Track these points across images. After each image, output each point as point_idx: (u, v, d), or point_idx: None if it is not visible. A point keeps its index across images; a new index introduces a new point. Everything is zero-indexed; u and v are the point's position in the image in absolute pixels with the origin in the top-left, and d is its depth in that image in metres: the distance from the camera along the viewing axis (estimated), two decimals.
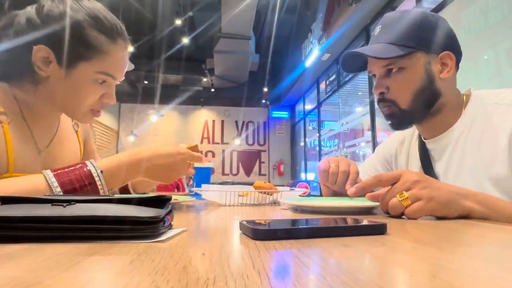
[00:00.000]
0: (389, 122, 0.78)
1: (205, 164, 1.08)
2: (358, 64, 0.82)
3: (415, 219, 0.51)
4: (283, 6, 6.07)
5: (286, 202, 0.67)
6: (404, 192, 0.52)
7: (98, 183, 0.59)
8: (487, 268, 0.24)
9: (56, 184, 0.56)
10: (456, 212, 0.52)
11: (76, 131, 0.87)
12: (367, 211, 0.63)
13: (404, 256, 0.29)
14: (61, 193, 0.56)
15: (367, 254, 0.29)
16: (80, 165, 0.60)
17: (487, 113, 0.72)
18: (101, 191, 0.60)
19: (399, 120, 0.76)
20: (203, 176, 1.11)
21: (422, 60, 0.72)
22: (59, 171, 0.58)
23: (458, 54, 0.75)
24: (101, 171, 0.60)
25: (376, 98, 0.80)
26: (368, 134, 4.63)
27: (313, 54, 5.57)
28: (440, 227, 0.45)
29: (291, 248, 0.31)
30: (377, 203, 0.58)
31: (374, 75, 0.80)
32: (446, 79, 0.73)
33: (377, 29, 0.78)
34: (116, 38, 0.69)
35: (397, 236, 0.37)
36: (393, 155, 0.96)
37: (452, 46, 0.74)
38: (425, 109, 0.74)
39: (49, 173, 0.57)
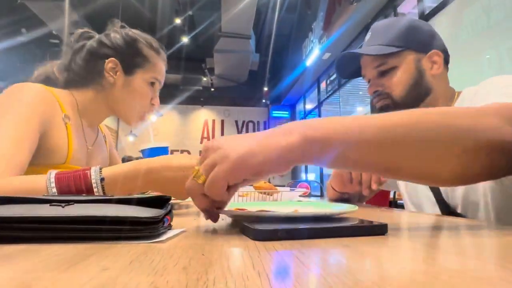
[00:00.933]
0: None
1: (161, 143, 0.95)
2: (353, 69, 0.87)
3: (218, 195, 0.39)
4: (284, 5, 6.07)
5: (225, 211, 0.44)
6: (196, 167, 0.40)
7: (95, 190, 0.58)
8: (490, 269, 0.24)
9: (54, 190, 0.57)
10: (284, 162, 0.38)
11: (105, 141, 1.03)
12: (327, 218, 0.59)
13: (405, 256, 0.28)
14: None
15: (367, 254, 0.29)
16: (83, 171, 0.59)
17: (460, 103, 0.75)
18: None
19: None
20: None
21: (412, 58, 0.78)
22: (61, 175, 0.58)
23: (446, 54, 0.80)
24: (102, 178, 0.59)
25: (371, 96, 0.84)
26: None
27: (313, 53, 5.58)
28: (442, 227, 0.45)
29: (291, 248, 0.31)
30: (339, 211, 0.46)
31: (369, 80, 0.84)
32: (436, 75, 0.78)
33: (367, 36, 0.84)
34: (159, 52, 0.91)
35: (398, 237, 0.37)
36: None
37: (439, 46, 0.80)
38: (416, 104, 0.78)
39: (52, 175, 0.58)
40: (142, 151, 0.92)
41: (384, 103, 0.79)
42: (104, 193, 0.59)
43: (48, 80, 0.87)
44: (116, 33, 0.88)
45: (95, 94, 0.86)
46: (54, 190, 0.57)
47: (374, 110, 0.82)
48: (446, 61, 0.81)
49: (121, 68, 0.86)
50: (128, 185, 0.61)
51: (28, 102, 0.72)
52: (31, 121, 0.69)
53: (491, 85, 0.66)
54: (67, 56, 0.88)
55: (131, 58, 0.87)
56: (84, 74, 0.86)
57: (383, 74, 0.80)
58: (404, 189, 0.91)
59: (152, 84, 0.89)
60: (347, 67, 0.87)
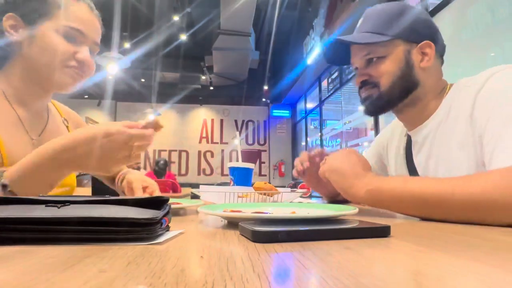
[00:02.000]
0: (364, 107, 0.81)
1: (246, 164, 1.08)
2: (342, 55, 0.84)
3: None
4: (284, 2, 6.07)
5: (202, 211, 0.50)
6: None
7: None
8: (493, 272, 0.24)
9: None
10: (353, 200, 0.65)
11: (67, 126, 0.89)
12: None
13: (408, 259, 0.29)
14: None
15: (370, 257, 0.29)
16: None
17: (460, 98, 0.72)
18: None
19: (374, 104, 0.78)
20: (243, 176, 1.11)
21: (401, 48, 0.75)
22: None
23: (440, 46, 0.78)
24: (3, 185, 0.53)
25: (357, 86, 0.81)
26: (372, 133, 4.63)
27: (314, 51, 5.57)
28: (444, 229, 0.45)
29: (292, 250, 0.31)
30: (337, 213, 0.57)
31: (357, 68, 0.81)
32: (426, 68, 0.75)
33: (359, 22, 0.82)
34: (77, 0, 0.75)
35: (401, 239, 0.37)
36: (385, 147, 0.98)
37: (433, 36, 0.76)
38: (401, 96, 0.76)
39: None
40: (230, 168, 1.02)
41: (369, 93, 0.78)
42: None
43: None
44: None
45: (13, 69, 0.74)
46: None
47: (361, 101, 0.81)
48: (441, 53, 0.79)
49: (22, 22, 0.72)
50: (44, 178, 0.57)
51: None
52: None
53: (490, 89, 0.65)
54: None
55: (32, 8, 0.73)
56: None
57: (370, 63, 0.78)
58: None
59: (70, 37, 0.73)
60: (337, 53, 0.85)
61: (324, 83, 6.50)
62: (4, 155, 0.66)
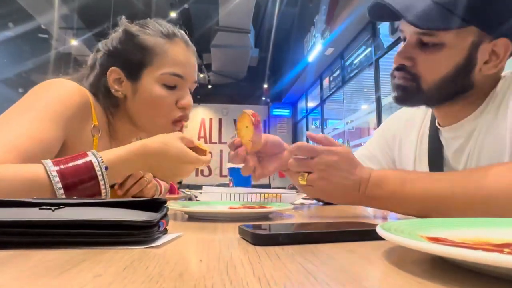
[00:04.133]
0: (396, 94, 0.67)
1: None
2: (389, 12, 0.63)
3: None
4: None
5: (172, 207, 0.59)
6: (305, 174, 0.57)
7: (101, 182, 0.56)
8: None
9: (57, 179, 0.53)
10: (349, 202, 0.60)
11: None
12: (264, 215, 0.61)
13: (413, 262, 0.28)
14: (59, 184, 0.53)
15: (373, 260, 0.29)
16: (83, 158, 0.56)
17: (504, 88, 0.62)
18: (102, 188, 0.57)
19: (411, 98, 0.66)
20: (243, 177, 1.11)
21: (469, 40, 0.60)
22: (61, 165, 0.55)
23: None
24: (106, 167, 0.57)
25: (394, 65, 0.67)
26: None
27: (316, 49, 5.58)
28: None
29: (293, 253, 0.31)
30: (273, 209, 0.59)
31: (404, 39, 0.67)
32: (488, 75, 0.62)
33: None
34: (172, 38, 0.76)
35: None
36: (397, 137, 0.85)
37: None
38: (446, 98, 0.65)
39: (48, 163, 0.55)
40: (229, 169, 1.03)
41: (406, 84, 0.65)
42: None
43: None
44: (114, 33, 0.77)
45: (116, 114, 0.78)
46: (59, 185, 0.53)
47: (393, 86, 0.68)
48: None
49: (124, 75, 0.74)
50: (126, 172, 0.66)
51: (56, 95, 0.66)
52: (58, 119, 0.64)
53: None
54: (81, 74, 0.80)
55: (132, 58, 0.74)
56: (100, 93, 0.76)
57: (423, 45, 0.63)
58: None
59: (171, 84, 0.75)
60: (382, 9, 0.63)
61: (326, 81, 6.51)
62: None
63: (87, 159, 0.56)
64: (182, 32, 0.79)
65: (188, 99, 0.77)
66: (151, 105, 0.74)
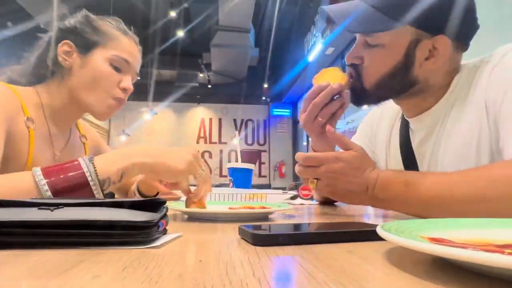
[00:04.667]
0: (350, 94, 0.73)
1: (246, 165, 1.10)
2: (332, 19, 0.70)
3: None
4: None
5: (171, 207, 0.58)
6: (315, 180, 0.63)
7: (93, 187, 0.55)
8: None
9: (46, 187, 0.52)
10: (357, 203, 0.64)
11: (84, 143, 0.97)
12: (264, 216, 0.62)
13: (414, 263, 0.28)
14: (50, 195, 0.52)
15: (373, 260, 0.29)
16: (71, 163, 0.56)
17: (473, 79, 0.65)
18: (95, 192, 0.56)
19: (357, 97, 0.72)
20: (243, 177, 1.12)
21: (406, 39, 0.63)
22: (49, 170, 0.54)
23: (464, 32, 0.65)
24: (93, 166, 0.56)
25: (347, 62, 0.73)
26: None
27: (316, 48, 5.58)
28: None
29: (293, 254, 0.31)
30: (272, 209, 0.60)
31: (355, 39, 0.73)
32: (429, 70, 0.65)
33: None
34: (126, 32, 0.86)
35: None
36: (373, 130, 0.91)
37: (457, 28, 0.63)
38: (390, 94, 0.71)
39: (37, 172, 0.54)
40: (229, 169, 1.06)
41: (353, 82, 0.70)
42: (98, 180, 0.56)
43: (11, 82, 0.82)
44: (73, 17, 0.85)
45: (57, 88, 0.82)
46: (46, 187, 0.52)
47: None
48: (464, 39, 0.67)
49: (76, 49, 0.81)
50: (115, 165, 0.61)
51: None
52: None
53: (506, 68, 0.58)
54: (28, 59, 0.86)
55: (87, 37, 0.82)
56: (42, 65, 0.82)
57: (369, 47, 0.67)
58: None
59: (117, 66, 0.83)
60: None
61: None
62: (29, 164, 0.73)
63: (75, 162, 0.56)
64: (133, 30, 0.90)
65: (129, 83, 0.85)
66: (97, 79, 0.80)
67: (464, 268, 0.25)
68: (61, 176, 0.54)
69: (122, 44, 0.84)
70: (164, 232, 0.39)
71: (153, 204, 0.39)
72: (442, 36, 0.63)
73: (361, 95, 0.71)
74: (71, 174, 0.54)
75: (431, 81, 0.68)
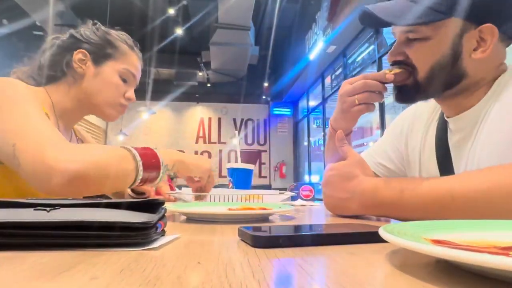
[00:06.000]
0: (396, 92, 0.73)
1: (246, 165, 1.11)
2: (375, 18, 0.70)
3: None
4: None
5: (172, 209, 0.59)
6: None
7: (161, 160, 0.73)
8: None
9: (141, 162, 0.68)
10: (348, 213, 0.66)
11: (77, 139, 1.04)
12: (264, 217, 0.62)
13: (417, 265, 0.29)
14: (140, 162, 0.68)
15: (375, 263, 0.29)
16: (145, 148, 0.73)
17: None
18: (161, 170, 0.73)
19: (409, 93, 0.71)
20: (243, 178, 1.12)
21: (452, 31, 0.64)
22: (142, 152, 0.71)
23: (509, 29, 0.65)
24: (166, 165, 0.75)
25: (389, 63, 0.74)
26: (377, 133, 4.64)
27: (317, 46, 5.58)
28: None
29: (294, 256, 0.31)
30: (273, 211, 0.61)
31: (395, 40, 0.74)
32: (479, 59, 0.65)
33: None
34: (133, 48, 0.98)
35: None
36: (403, 132, 0.89)
37: (501, 13, 0.63)
38: (440, 87, 0.69)
39: (133, 151, 0.70)
40: (229, 169, 1.12)
41: (401, 78, 0.70)
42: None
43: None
44: (87, 28, 0.94)
45: (67, 90, 0.89)
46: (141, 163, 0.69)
47: (394, 87, 0.73)
48: (508, 41, 0.67)
49: (90, 59, 0.90)
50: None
51: (23, 92, 0.74)
52: (38, 107, 0.72)
53: None
54: (34, 61, 0.93)
55: (101, 49, 0.91)
56: (54, 68, 0.89)
57: (410, 42, 0.68)
58: None
59: (125, 78, 0.94)
60: (372, 15, 0.70)
61: (328, 80, 6.51)
62: None
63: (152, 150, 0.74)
64: (138, 45, 1.02)
65: (133, 93, 0.97)
66: (108, 88, 0.91)
67: (468, 271, 0.25)
68: (148, 157, 0.71)
69: (131, 59, 0.96)
70: (163, 233, 0.39)
71: (151, 205, 0.39)
72: (488, 25, 0.63)
73: (413, 90, 0.70)
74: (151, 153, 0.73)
75: (480, 75, 0.67)
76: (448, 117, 0.76)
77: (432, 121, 0.82)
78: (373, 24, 0.71)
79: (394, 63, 0.72)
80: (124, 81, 0.94)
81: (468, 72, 0.66)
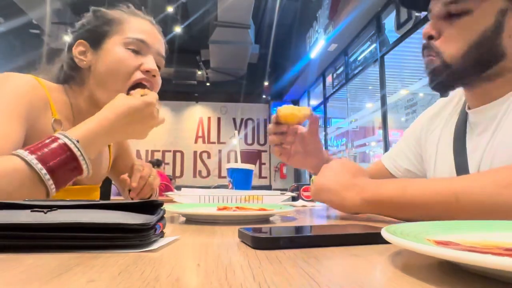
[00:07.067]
0: (430, 80, 0.71)
1: (246, 165, 1.10)
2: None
3: None
4: None
5: (170, 209, 0.58)
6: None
7: (78, 153, 0.61)
8: None
9: (35, 161, 0.57)
10: (349, 210, 0.64)
11: (109, 146, 0.98)
12: (264, 218, 0.62)
13: (420, 266, 0.28)
14: (43, 169, 0.57)
15: (378, 264, 0.29)
16: (50, 138, 0.61)
17: None
18: (82, 163, 0.62)
19: (442, 78, 0.68)
20: (243, 178, 1.12)
21: (497, 6, 0.63)
22: (32, 149, 0.58)
23: None
24: (77, 141, 0.62)
25: (423, 40, 0.71)
26: (380, 132, 4.63)
27: (318, 45, 5.58)
28: None
29: (295, 258, 0.31)
30: (273, 211, 0.61)
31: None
32: None
33: None
34: (136, 14, 0.85)
35: None
36: (422, 132, 0.89)
37: None
38: (476, 70, 0.66)
39: (22, 152, 0.57)
40: (229, 169, 1.10)
41: (433, 61, 0.68)
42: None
43: None
44: (83, 16, 0.86)
45: (80, 90, 0.83)
46: (40, 166, 0.57)
47: (426, 67, 0.71)
48: None
49: (89, 46, 0.81)
50: (99, 145, 0.69)
51: (13, 90, 0.69)
52: (15, 111, 0.67)
53: None
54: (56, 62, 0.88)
55: (96, 30, 0.81)
56: (68, 69, 0.84)
57: (450, 16, 0.66)
58: None
59: (134, 48, 0.80)
60: None
61: (329, 79, 6.51)
62: None
63: (60, 141, 0.60)
64: (149, 16, 0.88)
65: (152, 63, 0.81)
66: (115, 68, 0.78)
67: (472, 272, 0.25)
68: (45, 150, 0.59)
69: (134, 25, 0.82)
70: (161, 235, 0.39)
71: (150, 206, 0.39)
72: None
73: (445, 74, 0.68)
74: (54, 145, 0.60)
75: None
76: (469, 109, 0.74)
77: (453, 115, 0.81)
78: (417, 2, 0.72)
79: (425, 47, 0.70)
80: (136, 52, 0.80)
81: (506, 52, 0.64)
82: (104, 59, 0.79)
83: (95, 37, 0.80)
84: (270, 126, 0.89)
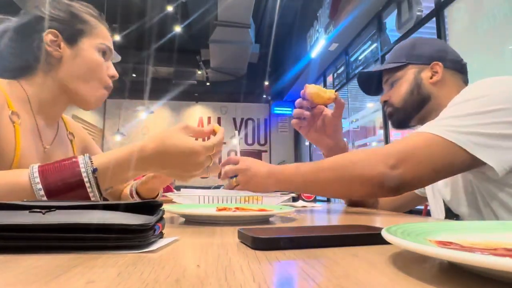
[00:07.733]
0: (390, 121, 1.03)
1: None
2: (375, 85, 1.09)
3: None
4: None
5: (169, 210, 0.58)
6: (234, 178, 0.86)
7: (87, 185, 0.58)
8: None
9: (39, 186, 0.56)
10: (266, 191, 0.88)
11: (71, 141, 0.97)
12: (264, 219, 0.63)
13: (420, 267, 0.29)
14: (43, 195, 0.56)
15: (378, 265, 0.29)
16: (71, 160, 0.60)
17: None
18: (91, 195, 0.59)
19: (396, 118, 1.00)
20: None
21: (412, 71, 0.97)
22: (46, 168, 0.58)
23: (450, 62, 0.96)
24: (95, 169, 0.59)
25: (381, 104, 1.06)
26: (381, 132, 4.63)
27: (319, 44, 5.57)
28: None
29: (295, 258, 0.31)
30: (273, 212, 0.62)
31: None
32: (436, 82, 0.94)
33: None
34: (100, 19, 0.88)
35: None
36: None
37: (444, 57, 0.96)
38: (415, 109, 0.96)
39: (34, 169, 0.58)
40: None
41: (388, 110, 1.02)
42: (97, 184, 0.59)
43: None
44: (47, 4, 0.84)
45: (44, 79, 0.81)
46: (39, 186, 0.56)
47: (387, 117, 1.04)
48: (455, 68, 0.95)
49: (63, 39, 0.81)
50: (121, 175, 0.63)
51: None
52: None
53: (454, 99, 0.79)
54: None
55: (71, 26, 0.82)
56: (24, 56, 0.80)
57: (391, 85, 1.01)
58: (429, 199, 1.02)
59: (103, 53, 0.86)
60: (369, 84, 1.09)
61: (329, 79, 6.51)
62: (17, 159, 0.73)
63: (74, 159, 0.60)
64: (101, 13, 0.92)
65: (114, 70, 0.89)
66: (92, 69, 0.83)
67: (472, 273, 0.25)
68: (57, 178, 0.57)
69: (103, 32, 0.87)
70: (161, 235, 0.39)
71: (149, 206, 0.39)
72: (435, 62, 0.94)
73: (397, 115, 1.00)
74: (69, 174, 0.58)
75: (441, 94, 0.93)
76: None
77: None
78: (368, 77, 1.09)
79: (384, 103, 1.04)
80: (103, 57, 0.86)
81: (431, 93, 0.94)
82: (82, 58, 0.82)
83: (71, 33, 0.81)
84: (297, 101, 1.06)
